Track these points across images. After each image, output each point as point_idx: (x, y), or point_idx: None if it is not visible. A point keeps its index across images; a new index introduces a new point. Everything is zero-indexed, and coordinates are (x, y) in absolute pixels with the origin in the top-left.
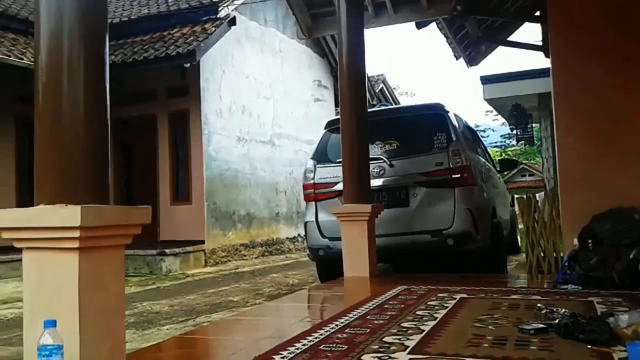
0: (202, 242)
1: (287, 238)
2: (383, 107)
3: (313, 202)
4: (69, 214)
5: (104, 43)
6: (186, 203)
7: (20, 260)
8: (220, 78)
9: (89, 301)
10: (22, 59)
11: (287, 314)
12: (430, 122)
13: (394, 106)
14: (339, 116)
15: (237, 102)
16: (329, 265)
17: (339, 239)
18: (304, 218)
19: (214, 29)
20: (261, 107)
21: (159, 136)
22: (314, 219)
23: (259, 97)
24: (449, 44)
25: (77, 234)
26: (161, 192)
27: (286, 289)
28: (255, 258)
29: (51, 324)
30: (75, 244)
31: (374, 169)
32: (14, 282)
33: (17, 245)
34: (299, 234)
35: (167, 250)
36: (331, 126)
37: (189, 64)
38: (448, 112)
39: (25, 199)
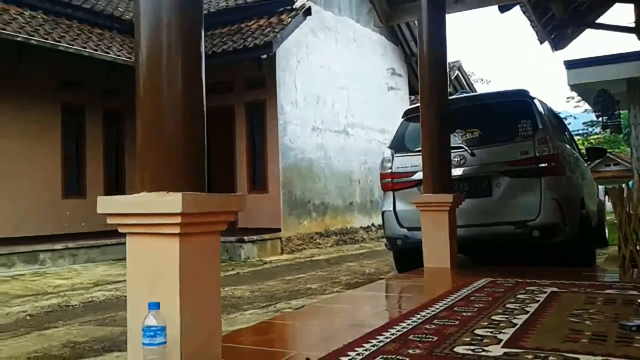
0: (279, 230)
1: (361, 227)
2: (464, 95)
3: (391, 192)
4: (171, 201)
5: (199, 35)
6: (263, 192)
7: (110, 245)
8: (296, 68)
9: (189, 285)
10: (108, 53)
11: (369, 303)
12: (514, 109)
13: (475, 93)
14: (416, 104)
15: (312, 92)
16: (406, 255)
17: (418, 228)
18: (378, 207)
19: (289, 19)
20: (335, 97)
21: (237, 126)
22: (391, 208)
23: (333, 86)
24: (533, 28)
25: (178, 220)
26: (239, 180)
27: (363, 278)
28: (330, 247)
29: (155, 306)
30: (176, 230)
31: (454, 158)
32: (103, 266)
33: (121, 230)
34: (372, 224)
35: (245, 238)
36: (409, 115)
37: (265, 55)
38: (533, 98)
39: (111, 187)
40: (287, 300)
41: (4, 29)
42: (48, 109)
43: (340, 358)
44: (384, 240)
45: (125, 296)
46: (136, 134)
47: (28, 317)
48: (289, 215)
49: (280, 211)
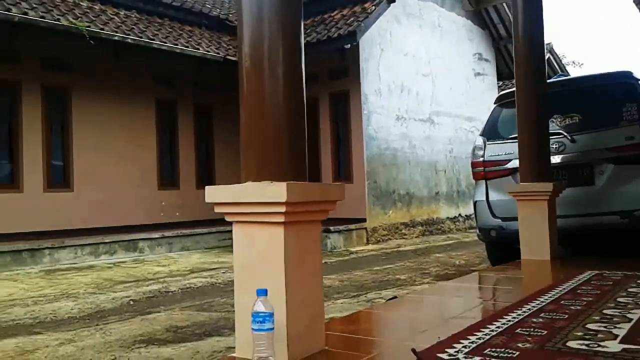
0: (364, 220)
1: (448, 218)
2: (562, 78)
3: (483, 181)
4: (276, 191)
5: (299, 29)
6: (347, 182)
7: (202, 234)
8: (379, 57)
9: (294, 272)
10: (198, 49)
11: (465, 295)
12: (617, 92)
13: (574, 76)
14: (510, 89)
15: (396, 80)
16: (501, 246)
17: (513, 219)
18: (465, 197)
19: (373, 8)
20: (420, 85)
21: (321, 117)
22: (484, 198)
23: (418, 74)
24: (637, 5)
25: (283, 209)
26: (323, 171)
27: (453, 270)
28: (416, 237)
29: (263, 292)
30: (281, 219)
31: (552, 145)
32: (197, 254)
33: (228, 219)
34: (459, 214)
35: (331, 228)
36: (502, 100)
37: (349, 45)
38: (639, 80)
39: (203, 178)
40: (377, 290)
41: (102, 29)
42: (144, 104)
43: (447, 349)
44: (474, 231)
45: (220, 283)
46: (240, 126)
47: (131, 302)
48: (374, 205)
49: (365, 201)
